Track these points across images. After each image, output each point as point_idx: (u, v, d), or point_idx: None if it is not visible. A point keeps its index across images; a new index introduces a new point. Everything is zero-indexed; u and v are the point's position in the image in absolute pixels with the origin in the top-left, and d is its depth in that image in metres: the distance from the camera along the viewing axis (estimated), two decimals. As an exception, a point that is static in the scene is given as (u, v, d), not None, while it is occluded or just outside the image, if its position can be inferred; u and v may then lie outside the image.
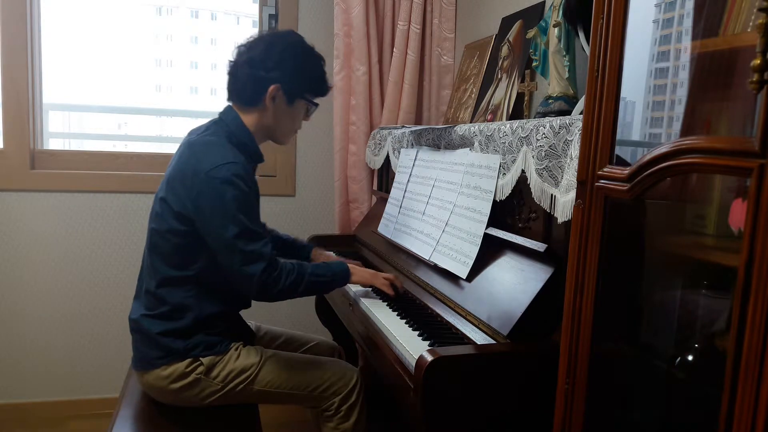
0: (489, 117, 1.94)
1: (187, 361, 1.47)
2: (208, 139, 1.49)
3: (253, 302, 1.68)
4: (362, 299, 1.63)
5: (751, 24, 0.74)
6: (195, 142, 1.49)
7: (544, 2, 1.85)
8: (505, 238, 1.37)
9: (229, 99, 1.57)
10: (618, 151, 0.88)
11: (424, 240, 1.69)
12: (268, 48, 1.51)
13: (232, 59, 1.54)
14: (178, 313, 1.47)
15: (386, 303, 1.59)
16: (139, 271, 1.59)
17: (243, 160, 1.45)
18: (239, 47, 1.54)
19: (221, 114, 1.57)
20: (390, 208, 2.03)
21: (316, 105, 1.65)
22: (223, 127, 1.53)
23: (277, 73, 1.50)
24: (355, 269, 1.63)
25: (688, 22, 0.86)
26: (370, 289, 1.70)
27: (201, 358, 1.47)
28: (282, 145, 1.72)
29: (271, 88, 1.50)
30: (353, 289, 1.73)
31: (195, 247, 1.45)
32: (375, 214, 2.23)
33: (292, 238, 1.93)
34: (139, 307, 1.54)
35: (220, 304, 1.51)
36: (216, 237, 1.39)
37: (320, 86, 1.62)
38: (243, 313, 1.66)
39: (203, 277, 1.48)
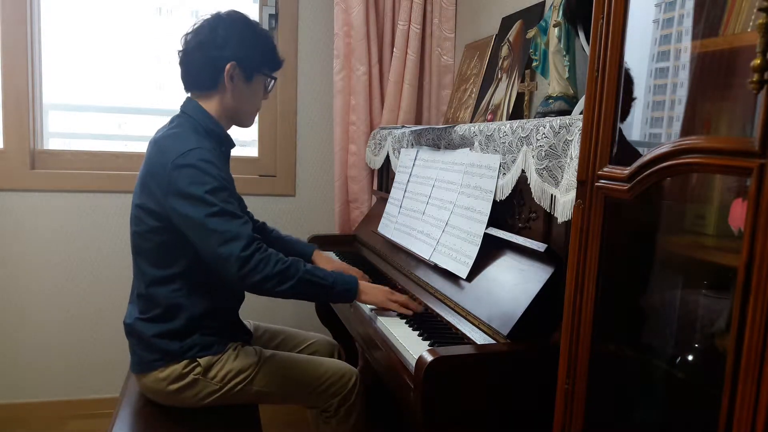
0: (489, 117, 1.94)
1: (185, 362, 1.46)
2: (172, 132, 1.47)
3: (253, 301, 1.69)
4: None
5: (751, 24, 0.74)
6: (159, 139, 1.48)
7: (544, 2, 1.85)
8: (505, 238, 1.36)
9: (187, 89, 1.55)
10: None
11: (424, 240, 1.69)
12: (214, 28, 1.48)
13: (181, 48, 1.51)
14: (171, 314, 1.46)
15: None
16: (133, 273, 1.58)
17: (209, 146, 1.44)
18: (185, 35, 1.51)
19: (182, 107, 1.54)
20: (390, 208, 2.03)
21: (275, 79, 1.61)
22: (186, 119, 1.51)
23: (229, 50, 1.47)
24: (366, 287, 1.51)
25: (688, 22, 0.86)
26: None
27: (198, 359, 1.47)
28: (245, 128, 1.66)
29: (228, 66, 1.47)
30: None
31: (177, 243, 1.43)
32: (375, 214, 2.23)
33: (295, 239, 1.90)
34: (133, 311, 1.53)
35: (212, 301, 1.49)
36: (190, 222, 1.35)
37: (274, 59, 1.57)
38: (242, 312, 1.66)
39: (190, 274, 1.46)
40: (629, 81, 0.89)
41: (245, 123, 1.62)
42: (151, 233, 1.45)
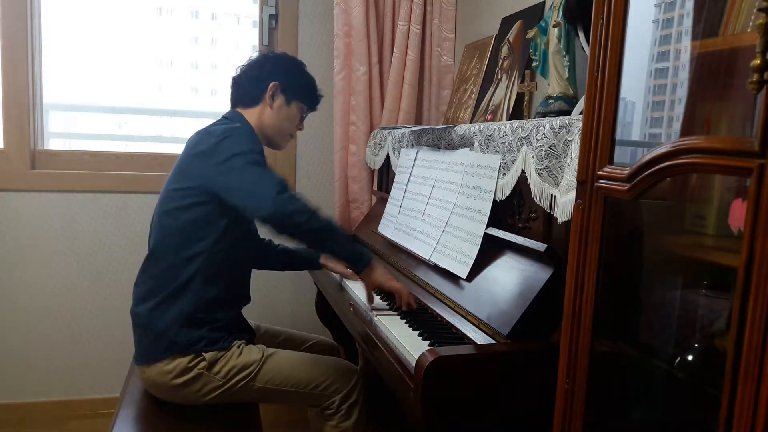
0: (489, 117, 1.94)
1: (190, 356, 1.48)
2: (218, 122, 1.63)
3: (253, 301, 1.69)
4: (362, 299, 1.63)
5: (751, 24, 0.74)
6: (204, 128, 1.60)
7: (544, 2, 1.85)
8: (505, 238, 1.37)
9: (233, 106, 1.70)
10: (618, 150, 0.88)
11: (424, 240, 1.69)
12: (266, 56, 1.71)
13: (236, 74, 1.70)
14: (178, 295, 1.49)
15: (386, 303, 1.59)
16: (142, 264, 1.59)
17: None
18: (241, 65, 1.71)
19: (225, 115, 1.68)
20: (390, 208, 2.03)
21: (310, 110, 1.77)
22: (229, 123, 1.62)
23: (275, 74, 1.66)
24: (378, 265, 1.56)
25: (688, 22, 0.86)
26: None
27: (203, 353, 1.48)
28: (279, 150, 1.80)
29: (271, 85, 1.64)
30: (354, 290, 1.73)
31: (205, 221, 1.50)
32: (375, 214, 2.23)
33: (301, 248, 1.94)
34: (140, 299, 1.55)
35: (223, 289, 1.53)
36: (231, 171, 1.44)
37: (313, 95, 1.75)
38: (243, 312, 1.67)
39: (208, 257, 1.50)
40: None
41: (278, 144, 1.74)
42: (180, 210, 1.51)
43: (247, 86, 1.67)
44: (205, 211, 1.50)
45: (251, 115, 1.66)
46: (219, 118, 1.67)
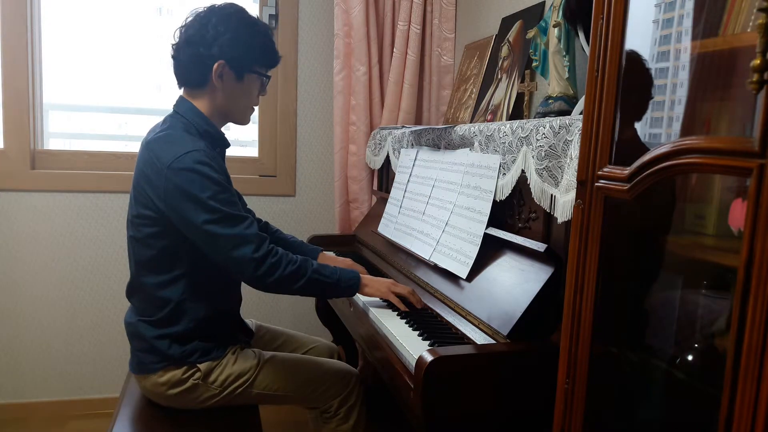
0: (489, 117, 1.94)
1: (184, 368, 1.45)
2: (164, 134, 1.42)
3: (254, 301, 1.68)
4: (362, 299, 1.63)
5: (751, 24, 0.74)
6: (151, 141, 1.43)
7: (544, 2, 1.85)
8: (505, 238, 1.36)
9: (179, 85, 1.51)
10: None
11: (424, 240, 1.69)
12: (203, 23, 1.42)
13: (174, 42, 1.46)
14: (174, 318, 1.44)
15: (386, 303, 1.59)
16: (128, 283, 1.54)
17: (204, 146, 1.39)
18: (179, 28, 1.46)
19: (175, 107, 1.50)
20: (390, 208, 2.03)
21: (269, 77, 1.54)
22: (179, 119, 1.46)
23: (216, 48, 1.41)
24: (369, 281, 1.53)
25: (688, 22, 0.86)
26: None
27: (198, 365, 1.46)
28: (242, 125, 1.61)
29: (216, 65, 1.42)
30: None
31: (178, 246, 1.41)
32: (375, 214, 2.23)
33: (298, 242, 1.88)
34: (134, 312, 1.52)
35: (214, 303, 1.48)
36: (194, 228, 1.34)
37: (267, 56, 1.50)
38: (244, 312, 1.66)
39: (192, 276, 1.45)
40: (649, 80, 0.89)
41: (240, 121, 1.57)
42: (151, 239, 1.43)
43: (189, 66, 1.44)
44: (176, 236, 1.40)
45: (201, 101, 1.47)
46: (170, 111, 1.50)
